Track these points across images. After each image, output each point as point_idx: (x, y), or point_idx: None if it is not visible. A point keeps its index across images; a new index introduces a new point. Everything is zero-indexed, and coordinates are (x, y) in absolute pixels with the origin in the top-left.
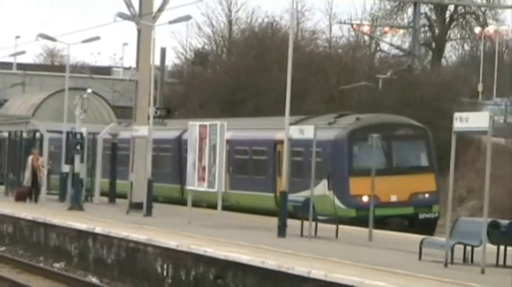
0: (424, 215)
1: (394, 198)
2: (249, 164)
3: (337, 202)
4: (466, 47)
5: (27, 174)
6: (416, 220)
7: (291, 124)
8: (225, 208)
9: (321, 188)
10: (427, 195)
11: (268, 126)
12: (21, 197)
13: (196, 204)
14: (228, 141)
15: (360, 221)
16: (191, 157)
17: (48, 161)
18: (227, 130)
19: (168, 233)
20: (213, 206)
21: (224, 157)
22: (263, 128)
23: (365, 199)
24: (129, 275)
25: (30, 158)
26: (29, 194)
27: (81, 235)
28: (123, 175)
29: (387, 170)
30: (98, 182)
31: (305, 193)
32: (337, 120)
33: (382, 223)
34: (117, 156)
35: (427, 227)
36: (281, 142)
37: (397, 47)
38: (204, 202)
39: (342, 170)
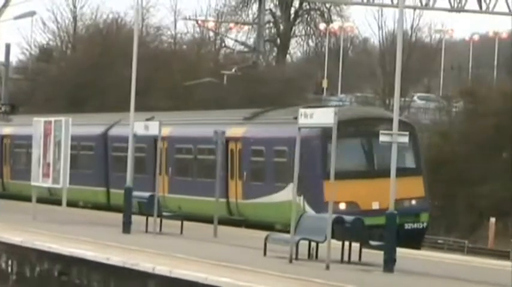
0: (410, 225)
1: (375, 205)
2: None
3: (308, 209)
4: (311, 43)
5: None
6: (401, 231)
7: (246, 118)
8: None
9: (287, 194)
10: (413, 201)
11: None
12: None
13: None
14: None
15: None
16: (36, 153)
17: None
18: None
19: (12, 229)
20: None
21: (69, 153)
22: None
23: (342, 206)
24: None
25: None
26: None
27: None
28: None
29: (367, 172)
30: None
31: (264, 199)
32: None
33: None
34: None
35: (414, 239)
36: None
37: (242, 43)
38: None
39: (314, 173)
